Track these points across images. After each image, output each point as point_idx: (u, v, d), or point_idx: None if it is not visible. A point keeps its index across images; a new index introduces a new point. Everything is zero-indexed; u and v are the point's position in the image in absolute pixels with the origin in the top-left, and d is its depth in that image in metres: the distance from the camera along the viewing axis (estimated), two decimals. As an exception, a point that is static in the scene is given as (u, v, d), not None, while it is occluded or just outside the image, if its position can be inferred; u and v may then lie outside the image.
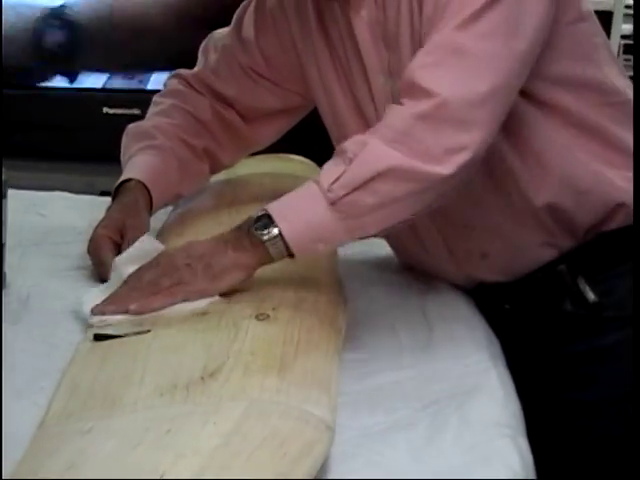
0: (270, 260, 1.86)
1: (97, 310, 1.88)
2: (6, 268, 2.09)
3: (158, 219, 2.31)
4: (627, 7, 3.39)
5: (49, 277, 2.14)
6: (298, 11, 2.19)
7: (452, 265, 2.14)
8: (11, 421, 1.63)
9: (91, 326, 1.90)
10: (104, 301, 1.90)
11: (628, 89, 2.16)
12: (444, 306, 2.08)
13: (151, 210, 2.25)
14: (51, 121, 3.12)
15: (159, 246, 2.03)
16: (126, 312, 1.86)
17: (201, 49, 2.42)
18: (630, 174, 2.09)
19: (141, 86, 3.23)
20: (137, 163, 2.27)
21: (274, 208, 1.85)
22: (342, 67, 2.13)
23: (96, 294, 1.94)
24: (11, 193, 2.07)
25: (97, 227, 2.16)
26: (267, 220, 1.83)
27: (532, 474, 1.61)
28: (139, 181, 2.22)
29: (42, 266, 2.18)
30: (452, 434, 1.63)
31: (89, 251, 2.15)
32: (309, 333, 1.80)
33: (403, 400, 1.72)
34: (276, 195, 2.28)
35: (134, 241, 2.09)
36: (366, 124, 2.08)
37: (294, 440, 1.50)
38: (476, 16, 1.83)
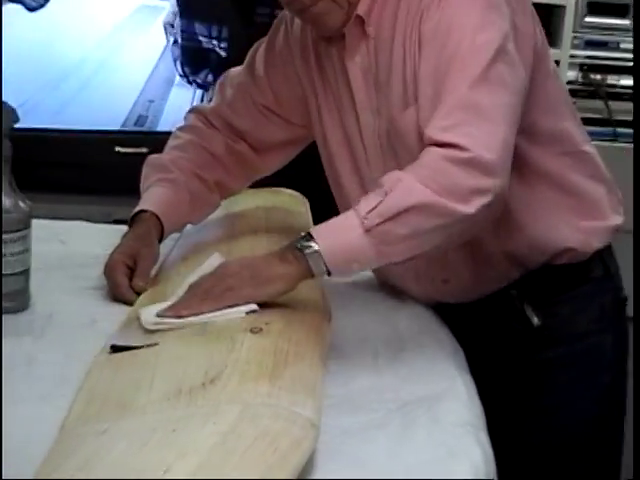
0: (311, 274, 1.84)
1: (160, 313, 1.88)
2: (31, 289, 2.10)
3: (165, 244, 2.30)
4: (572, 57, 3.35)
5: (70, 296, 2.14)
6: (301, 52, 2.20)
7: (418, 286, 2.15)
8: (36, 424, 1.64)
9: (112, 347, 1.88)
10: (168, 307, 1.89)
11: (584, 140, 2.18)
12: (414, 320, 2.10)
13: (162, 239, 2.25)
14: (71, 158, 3.12)
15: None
16: (180, 317, 1.85)
17: (218, 85, 2.41)
18: (583, 222, 2.12)
19: (151, 128, 3.22)
20: (153, 195, 2.26)
21: (317, 229, 1.85)
22: (336, 104, 2.14)
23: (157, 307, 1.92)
24: (35, 223, 2.09)
25: (113, 253, 2.15)
26: (309, 238, 1.82)
27: (492, 466, 1.62)
28: (153, 213, 2.22)
29: (63, 287, 2.18)
30: (423, 432, 1.64)
31: (105, 273, 2.14)
32: (298, 345, 1.80)
33: (380, 402, 1.73)
34: (269, 226, 2.30)
35: (145, 268, 2.14)
36: (353, 157, 2.13)
37: (283, 438, 1.51)
38: (484, 75, 1.83)
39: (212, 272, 1.92)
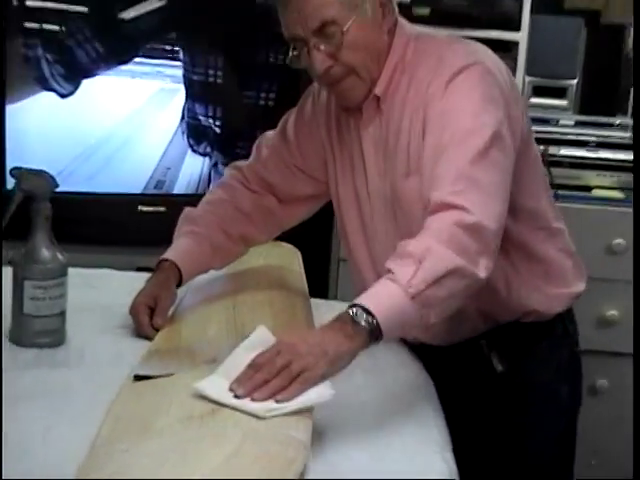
0: (366, 346, 1.71)
1: (241, 392, 1.65)
2: (67, 327, 2.10)
3: (181, 289, 2.29)
4: None
5: (99, 334, 2.13)
6: (325, 120, 2.19)
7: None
8: (70, 443, 1.64)
9: (138, 376, 1.87)
10: (237, 382, 1.67)
11: (555, 217, 2.17)
12: (391, 354, 2.08)
13: (180, 284, 2.23)
14: (101, 216, 3.13)
15: (271, 337, 1.79)
16: (272, 398, 1.63)
17: (255, 145, 2.36)
18: (550, 288, 2.11)
19: (168, 191, 3.25)
20: (178, 245, 2.25)
21: (367, 301, 1.72)
22: (350, 166, 2.13)
23: (214, 379, 1.73)
24: (71, 271, 2.09)
25: (137, 295, 2.15)
26: (363, 310, 1.69)
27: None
28: (173, 262, 2.20)
29: (94, 326, 2.17)
30: (396, 451, 1.65)
31: (130, 313, 2.14)
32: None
33: (360, 426, 1.74)
34: (269, 280, 2.34)
35: (164, 309, 2.14)
36: (361, 214, 2.13)
37: (279, 458, 1.53)
38: (481, 154, 1.83)
39: (275, 349, 1.70)
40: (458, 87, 1.92)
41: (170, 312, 2.21)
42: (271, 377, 1.63)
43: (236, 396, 1.65)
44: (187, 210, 2.32)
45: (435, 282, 1.72)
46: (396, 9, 2.04)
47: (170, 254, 2.22)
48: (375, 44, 1.99)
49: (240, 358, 1.73)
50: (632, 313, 3.30)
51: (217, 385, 1.70)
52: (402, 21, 2.07)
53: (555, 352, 2.16)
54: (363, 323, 1.68)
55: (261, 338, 1.78)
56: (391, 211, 2.06)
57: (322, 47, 1.94)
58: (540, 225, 2.12)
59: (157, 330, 2.12)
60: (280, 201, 2.33)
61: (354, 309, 1.70)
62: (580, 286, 2.19)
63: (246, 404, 1.63)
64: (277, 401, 1.62)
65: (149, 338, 2.09)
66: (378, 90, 2.01)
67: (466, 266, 1.74)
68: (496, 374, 2.09)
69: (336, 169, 2.19)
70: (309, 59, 1.96)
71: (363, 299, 1.73)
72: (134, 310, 2.14)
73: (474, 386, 2.12)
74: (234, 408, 1.63)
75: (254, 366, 1.66)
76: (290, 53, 2.00)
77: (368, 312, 1.69)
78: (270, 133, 2.34)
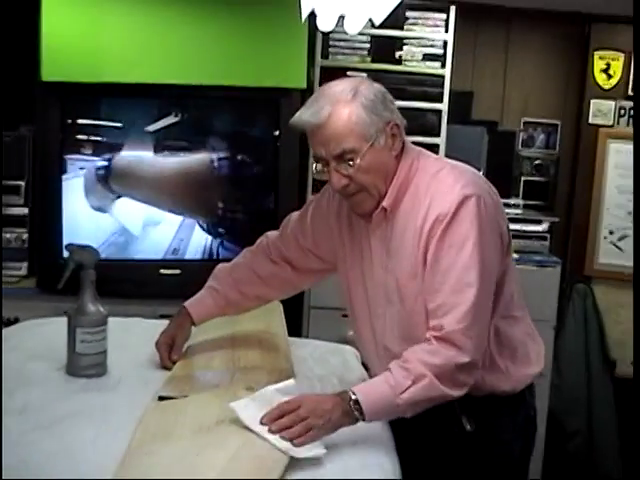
0: (352, 424, 1.71)
1: (275, 429, 1.64)
2: (108, 362, 2.08)
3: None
4: None
5: (133, 366, 2.11)
6: (337, 214, 2.04)
7: None
8: (112, 448, 1.64)
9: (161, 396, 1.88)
10: (268, 418, 1.66)
11: (520, 306, 2.00)
12: None
13: (194, 325, 2.16)
14: (132, 276, 3.11)
15: (295, 391, 1.78)
16: (290, 439, 1.63)
17: (283, 223, 2.19)
18: (516, 369, 1.95)
19: (182, 257, 3.23)
20: (198, 296, 2.16)
21: (364, 398, 1.71)
22: (359, 257, 1.99)
23: (248, 404, 1.72)
24: (110, 320, 2.08)
25: (160, 335, 2.12)
26: (358, 403, 1.70)
27: None
28: (188, 310, 2.15)
29: (128, 360, 2.14)
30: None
31: (156, 347, 2.10)
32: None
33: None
34: (259, 326, 2.29)
35: (179, 346, 2.11)
36: (366, 295, 1.98)
37: (268, 460, 1.56)
38: (477, 294, 1.76)
39: (297, 402, 1.69)
40: (463, 219, 1.79)
41: (185, 347, 2.18)
42: (293, 424, 1.64)
43: (262, 423, 1.66)
44: (217, 267, 2.21)
45: (419, 402, 1.74)
46: (404, 135, 1.90)
47: (188, 302, 2.16)
48: (385, 167, 1.86)
49: (270, 396, 1.73)
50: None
51: (249, 411, 1.69)
52: (408, 142, 1.93)
53: (512, 415, 1.99)
54: (356, 412, 1.70)
55: (288, 389, 1.77)
56: (391, 300, 1.92)
57: (340, 169, 1.83)
58: (509, 313, 1.96)
59: (174, 362, 2.09)
60: (294, 269, 2.17)
61: (353, 397, 1.71)
62: (540, 364, 2.03)
63: (270, 437, 1.62)
64: (293, 444, 1.62)
65: (167, 369, 2.06)
66: (386, 203, 1.88)
67: (448, 393, 1.74)
68: (465, 432, 1.93)
69: (346, 255, 2.03)
70: (329, 176, 1.85)
71: (362, 389, 1.73)
72: (158, 347, 2.10)
73: (445, 441, 1.95)
74: (261, 437, 1.63)
75: (282, 409, 1.67)
76: (315, 167, 1.89)
77: (362, 408, 1.70)
78: (295, 214, 2.19)
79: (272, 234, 2.22)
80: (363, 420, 1.71)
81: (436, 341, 1.76)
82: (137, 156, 3.19)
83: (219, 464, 1.52)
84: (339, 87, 1.84)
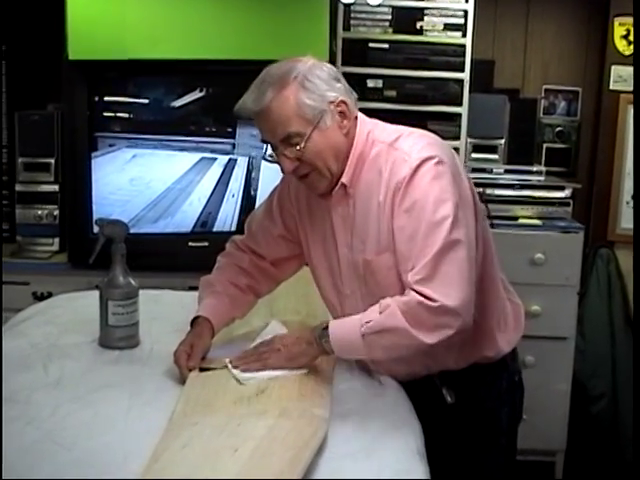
0: (326, 353, 1.77)
1: (234, 363, 1.84)
2: (140, 333, 2.10)
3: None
4: None
5: (164, 336, 2.10)
6: (297, 198, 2.01)
7: (377, 365, 1.92)
8: (146, 419, 1.66)
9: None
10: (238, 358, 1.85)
11: (499, 270, 1.97)
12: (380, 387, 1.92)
13: (213, 333, 2.00)
14: (162, 250, 3.11)
15: (281, 329, 1.98)
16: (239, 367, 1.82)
17: (247, 223, 2.17)
18: (500, 335, 1.92)
19: (210, 230, 3.21)
20: (204, 304, 2.03)
21: (332, 325, 1.75)
22: (321, 238, 1.96)
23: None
24: (141, 292, 2.10)
25: (179, 345, 1.92)
26: (326, 331, 1.74)
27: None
28: (205, 317, 2.00)
29: (159, 331, 2.15)
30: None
31: (174, 357, 1.90)
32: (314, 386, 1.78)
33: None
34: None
35: (196, 355, 1.91)
36: (332, 276, 1.95)
37: (307, 428, 1.56)
38: (444, 244, 1.69)
39: (267, 340, 1.87)
40: (419, 181, 1.74)
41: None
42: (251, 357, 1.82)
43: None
44: (203, 278, 2.13)
45: (380, 332, 1.69)
46: (355, 110, 1.85)
47: (201, 312, 2.02)
48: (335, 146, 1.81)
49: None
50: (550, 306, 3.31)
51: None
52: (361, 116, 1.88)
53: (495, 383, 1.96)
54: (322, 340, 1.75)
55: (273, 330, 1.94)
56: (362, 278, 1.88)
57: (288, 152, 1.79)
58: (489, 281, 1.92)
59: (191, 370, 1.90)
60: (272, 264, 2.14)
61: (321, 331, 1.76)
62: (521, 329, 2.00)
63: (233, 370, 1.83)
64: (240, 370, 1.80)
65: (184, 377, 1.85)
66: (345, 179, 1.83)
67: (410, 330, 1.66)
68: (447, 404, 1.91)
69: (308, 239, 2.00)
70: (279, 160, 1.82)
71: (333, 323, 1.77)
72: (177, 356, 1.90)
73: (429, 414, 1.86)
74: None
75: (255, 347, 1.87)
76: (268, 151, 1.86)
77: (328, 335, 1.74)
78: (257, 211, 2.17)
79: (237, 238, 2.18)
80: (332, 352, 1.76)
81: (407, 288, 1.72)
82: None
83: (259, 434, 1.52)
84: (280, 70, 1.79)
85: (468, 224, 1.77)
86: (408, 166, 1.75)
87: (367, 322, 1.70)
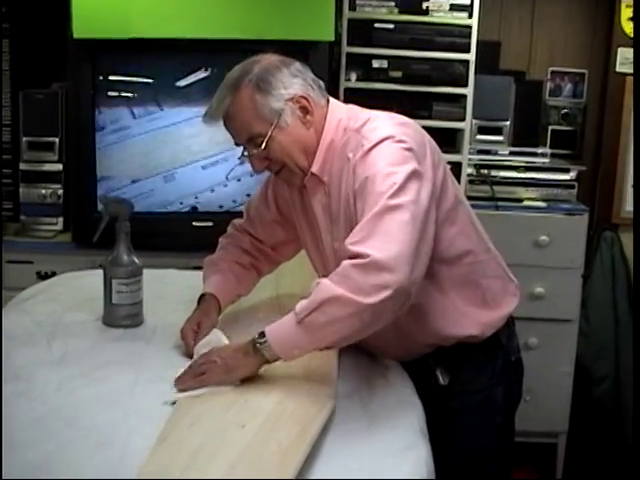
0: (267, 361, 1.67)
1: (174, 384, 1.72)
2: (144, 312, 2.11)
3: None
4: (469, 160, 3.36)
5: (168, 315, 2.12)
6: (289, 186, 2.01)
7: (372, 348, 1.94)
8: (150, 395, 1.67)
9: None
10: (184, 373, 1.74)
11: (484, 249, 1.94)
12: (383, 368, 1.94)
13: (220, 309, 2.04)
14: (166, 229, 3.10)
15: (223, 339, 1.87)
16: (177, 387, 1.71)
17: (244, 208, 2.21)
18: (483, 313, 1.90)
19: (214, 209, 3.19)
20: (210, 282, 2.06)
21: (268, 327, 1.67)
22: (308, 223, 1.98)
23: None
24: (145, 271, 2.10)
25: (186, 322, 1.95)
26: (263, 335, 1.66)
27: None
28: (211, 294, 2.02)
29: (163, 310, 2.16)
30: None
31: (181, 334, 1.94)
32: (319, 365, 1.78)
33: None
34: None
35: (206, 333, 1.92)
36: (320, 254, 1.96)
37: (313, 405, 1.58)
38: (387, 206, 1.64)
39: (206, 354, 1.76)
40: (370, 159, 1.73)
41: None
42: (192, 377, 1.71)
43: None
44: (207, 258, 2.15)
45: (315, 309, 1.60)
46: (319, 102, 1.85)
47: (207, 289, 2.05)
48: (300, 141, 1.82)
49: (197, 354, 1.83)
50: (554, 289, 3.31)
51: None
52: (333, 102, 1.89)
53: (489, 362, 1.95)
54: (260, 345, 1.66)
55: (211, 341, 1.85)
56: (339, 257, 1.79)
57: (254, 153, 1.82)
58: (471, 260, 1.90)
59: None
60: (271, 248, 2.17)
61: (257, 338, 1.67)
62: (512, 304, 1.97)
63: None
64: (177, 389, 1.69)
65: (190, 355, 1.87)
66: (314, 169, 1.85)
67: (345, 294, 1.58)
68: (440, 385, 1.92)
69: (300, 222, 2.02)
70: (249, 160, 1.85)
71: (269, 325, 1.68)
72: (183, 334, 1.93)
73: (424, 395, 1.86)
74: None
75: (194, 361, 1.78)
76: (242, 152, 1.87)
77: (265, 337, 1.66)
78: (254, 197, 2.19)
79: (238, 221, 2.20)
80: (273, 359, 1.67)
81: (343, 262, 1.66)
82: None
83: (266, 409, 1.54)
84: (235, 74, 1.83)
85: (420, 198, 1.70)
86: (365, 148, 1.75)
87: (300, 308, 1.64)
